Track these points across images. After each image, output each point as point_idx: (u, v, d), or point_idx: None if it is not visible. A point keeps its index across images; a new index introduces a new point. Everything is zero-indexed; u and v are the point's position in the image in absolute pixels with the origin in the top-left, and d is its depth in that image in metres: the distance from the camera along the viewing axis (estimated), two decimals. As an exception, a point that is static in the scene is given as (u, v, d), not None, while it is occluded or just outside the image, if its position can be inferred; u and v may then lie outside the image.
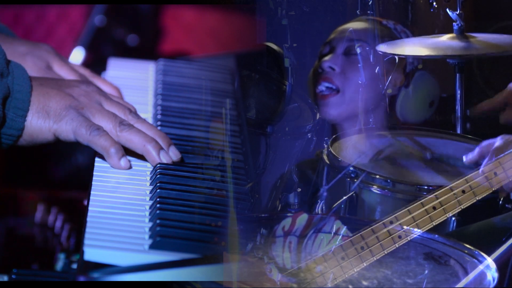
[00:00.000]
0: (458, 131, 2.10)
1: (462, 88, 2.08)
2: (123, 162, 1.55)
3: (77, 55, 2.79)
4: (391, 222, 1.58)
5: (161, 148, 1.56)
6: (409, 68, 2.17)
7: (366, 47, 2.15)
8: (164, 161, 1.56)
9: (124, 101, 1.73)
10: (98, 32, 2.84)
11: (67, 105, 1.53)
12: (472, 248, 1.58)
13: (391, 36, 2.18)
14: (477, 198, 1.69)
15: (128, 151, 1.58)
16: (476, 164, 1.79)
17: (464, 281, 1.48)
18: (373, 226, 1.56)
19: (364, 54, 2.13)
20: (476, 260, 1.55)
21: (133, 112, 1.63)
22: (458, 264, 1.55)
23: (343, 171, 1.89)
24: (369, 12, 2.20)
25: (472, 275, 1.49)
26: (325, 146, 2.01)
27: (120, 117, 1.58)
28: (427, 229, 1.62)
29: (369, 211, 1.87)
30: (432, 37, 2.11)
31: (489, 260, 1.52)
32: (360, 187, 1.86)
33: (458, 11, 2.05)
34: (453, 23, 2.06)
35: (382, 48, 2.09)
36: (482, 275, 1.49)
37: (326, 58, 2.16)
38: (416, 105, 2.17)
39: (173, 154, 1.58)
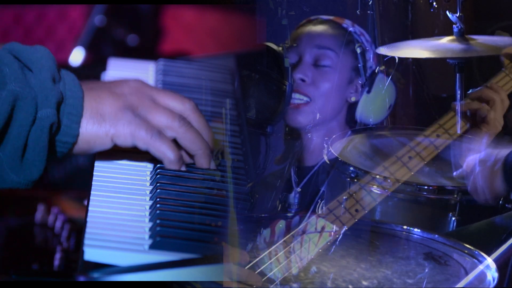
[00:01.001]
0: (458, 131, 2.10)
1: (462, 88, 2.08)
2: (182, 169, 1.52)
3: (77, 55, 2.79)
4: (346, 199, 1.60)
5: (212, 156, 1.53)
6: (369, 72, 2.18)
7: (332, 55, 2.17)
8: (212, 168, 1.54)
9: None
10: (98, 32, 2.84)
11: (121, 107, 1.46)
12: (472, 248, 1.58)
13: (352, 41, 2.19)
14: (425, 162, 1.71)
15: (128, 151, 1.58)
16: (465, 178, 1.80)
17: (464, 281, 1.48)
18: (329, 205, 1.58)
19: (330, 63, 2.16)
20: (476, 260, 1.55)
21: (191, 101, 1.55)
22: (458, 264, 1.55)
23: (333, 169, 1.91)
24: (369, 12, 2.21)
25: (472, 275, 1.50)
26: (325, 146, 2.01)
27: (178, 110, 1.51)
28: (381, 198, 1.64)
29: (369, 211, 1.87)
30: (432, 39, 2.11)
31: (489, 260, 1.52)
32: (360, 187, 1.86)
33: (458, 14, 2.05)
34: (453, 25, 2.06)
35: (383, 50, 2.09)
36: (482, 275, 1.49)
37: (296, 69, 2.16)
38: (376, 109, 2.17)
39: (216, 158, 1.57)
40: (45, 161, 1.40)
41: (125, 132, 1.45)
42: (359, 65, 2.16)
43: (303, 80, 2.15)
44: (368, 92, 2.16)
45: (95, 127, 1.45)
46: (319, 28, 2.23)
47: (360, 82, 2.17)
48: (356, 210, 1.61)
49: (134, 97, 1.49)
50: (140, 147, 1.48)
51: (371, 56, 2.18)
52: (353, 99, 2.19)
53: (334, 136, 2.07)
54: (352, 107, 2.20)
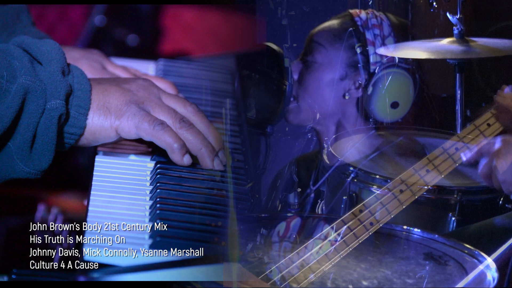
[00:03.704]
0: (458, 131, 2.10)
1: (462, 88, 2.08)
2: (186, 159, 1.53)
3: (77, 55, 2.79)
4: (361, 211, 1.59)
5: (216, 155, 1.55)
6: (372, 69, 2.17)
7: (323, 51, 2.16)
8: (217, 168, 1.55)
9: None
10: (98, 32, 2.84)
11: (127, 100, 1.51)
12: (472, 248, 1.58)
13: (352, 36, 2.17)
14: (442, 176, 1.70)
15: (128, 150, 1.58)
16: (474, 164, 1.79)
17: (464, 281, 1.48)
18: (343, 217, 1.57)
19: (318, 58, 2.14)
20: (476, 260, 1.55)
21: (193, 105, 1.58)
22: (458, 264, 1.55)
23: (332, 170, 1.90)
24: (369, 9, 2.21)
25: (472, 275, 1.50)
26: (325, 146, 2.01)
27: (180, 113, 1.55)
28: (397, 212, 1.63)
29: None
30: (432, 40, 2.11)
31: (489, 260, 1.53)
32: (360, 187, 1.87)
33: (458, 15, 2.05)
34: (453, 27, 2.06)
35: (383, 51, 2.09)
36: (482, 275, 1.49)
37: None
38: (376, 107, 2.16)
39: (222, 158, 1.57)
40: (54, 151, 1.44)
41: (129, 124, 1.49)
42: (359, 65, 2.15)
43: None
44: (367, 88, 2.15)
45: (101, 119, 1.49)
46: (327, 22, 2.22)
47: (360, 79, 2.15)
48: (371, 224, 1.60)
49: (141, 93, 1.53)
50: (144, 138, 1.50)
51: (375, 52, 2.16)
52: (347, 97, 2.17)
53: (334, 136, 2.07)
54: (358, 104, 2.18)
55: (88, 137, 1.49)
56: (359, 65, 2.15)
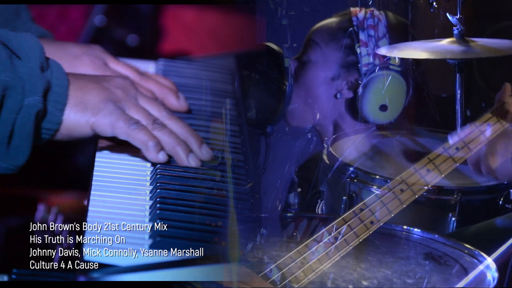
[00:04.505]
0: (458, 131, 2.09)
1: (462, 88, 2.08)
2: (161, 156, 1.54)
3: (77, 55, 2.79)
4: (361, 210, 1.59)
5: (191, 151, 1.56)
6: (364, 70, 2.17)
7: (318, 49, 2.15)
8: (193, 164, 1.55)
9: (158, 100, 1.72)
10: (98, 32, 2.84)
11: (105, 98, 1.52)
12: (472, 248, 1.58)
13: (348, 35, 2.16)
14: (443, 175, 1.69)
15: (128, 150, 1.58)
16: (462, 143, 1.79)
17: (464, 281, 1.48)
18: (344, 215, 1.57)
19: (315, 57, 2.14)
20: (476, 260, 1.55)
21: (167, 109, 1.61)
22: (458, 264, 1.55)
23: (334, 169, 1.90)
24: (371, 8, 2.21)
25: (472, 275, 1.50)
26: (325, 146, 2.01)
27: (154, 114, 1.57)
28: (397, 211, 1.62)
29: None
30: (432, 41, 2.11)
31: (489, 260, 1.52)
32: (360, 187, 1.87)
33: (458, 16, 2.05)
34: (453, 27, 2.05)
35: (383, 51, 2.09)
36: (482, 275, 1.49)
37: None
38: (366, 108, 2.16)
39: (206, 153, 1.58)
40: (31, 147, 1.45)
41: (105, 122, 1.51)
42: (359, 65, 2.15)
43: None
44: (357, 89, 2.14)
45: (78, 115, 1.50)
46: (327, 20, 2.22)
47: (352, 79, 2.15)
48: (372, 222, 1.60)
49: (119, 92, 1.55)
50: (119, 137, 1.52)
51: (369, 50, 2.16)
52: (338, 96, 2.17)
53: (334, 136, 2.07)
54: (353, 104, 2.18)
55: (64, 132, 1.51)
56: (359, 65, 2.15)
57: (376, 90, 2.13)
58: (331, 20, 2.22)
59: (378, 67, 2.14)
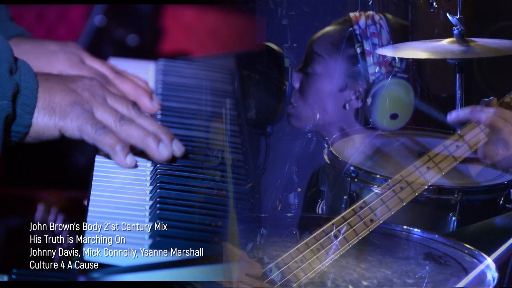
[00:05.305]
0: (458, 131, 2.10)
1: (462, 88, 2.08)
2: (129, 159, 1.54)
3: (77, 55, 2.79)
4: (361, 208, 1.59)
5: (161, 141, 1.56)
6: (371, 79, 2.17)
7: (321, 61, 2.16)
8: (164, 153, 1.54)
9: (127, 98, 1.72)
10: (98, 32, 2.84)
11: (72, 101, 1.53)
12: (472, 248, 1.58)
13: (352, 45, 2.17)
14: (443, 173, 1.69)
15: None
16: (459, 124, 1.79)
17: (464, 281, 1.48)
18: (344, 214, 1.57)
19: (318, 70, 2.14)
20: (476, 260, 1.55)
21: (136, 107, 1.61)
22: (458, 264, 1.55)
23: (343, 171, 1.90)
24: (369, 12, 2.21)
25: (472, 275, 1.50)
26: (325, 146, 2.01)
27: (122, 112, 1.57)
28: (397, 209, 1.62)
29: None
30: (432, 41, 2.11)
31: (489, 260, 1.52)
32: (361, 187, 1.87)
33: (458, 16, 2.05)
34: (453, 27, 2.05)
35: (382, 51, 2.09)
36: (482, 275, 1.49)
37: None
38: (376, 117, 2.16)
39: (177, 149, 1.57)
40: (0, 150, 1.45)
41: (73, 126, 1.51)
42: (359, 65, 2.15)
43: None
44: (366, 98, 2.15)
45: (46, 118, 1.51)
46: (326, 29, 2.22)
47: (360, 88, 2.16)
48: (371, 221, 1.60)
49: (86, 93, 1.55)
50: (87, 141, 1.52)
51: (375, 59, 2.16)
52: (347, 107, 2.17)
53: (334, 136, 2.07)
54: (358, 112, 2.18)
55: (32, 135, 1.51)
56: (359, 65, 2.15)
57: (386, 99, 2.14)
58: (332, 29, 2.22)
59: (386, 76, 2.14)
